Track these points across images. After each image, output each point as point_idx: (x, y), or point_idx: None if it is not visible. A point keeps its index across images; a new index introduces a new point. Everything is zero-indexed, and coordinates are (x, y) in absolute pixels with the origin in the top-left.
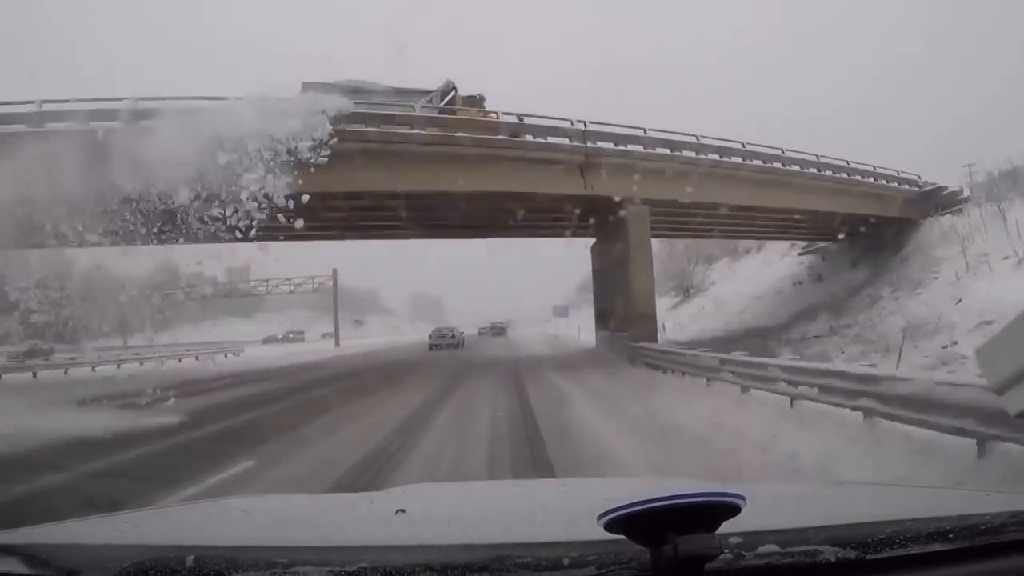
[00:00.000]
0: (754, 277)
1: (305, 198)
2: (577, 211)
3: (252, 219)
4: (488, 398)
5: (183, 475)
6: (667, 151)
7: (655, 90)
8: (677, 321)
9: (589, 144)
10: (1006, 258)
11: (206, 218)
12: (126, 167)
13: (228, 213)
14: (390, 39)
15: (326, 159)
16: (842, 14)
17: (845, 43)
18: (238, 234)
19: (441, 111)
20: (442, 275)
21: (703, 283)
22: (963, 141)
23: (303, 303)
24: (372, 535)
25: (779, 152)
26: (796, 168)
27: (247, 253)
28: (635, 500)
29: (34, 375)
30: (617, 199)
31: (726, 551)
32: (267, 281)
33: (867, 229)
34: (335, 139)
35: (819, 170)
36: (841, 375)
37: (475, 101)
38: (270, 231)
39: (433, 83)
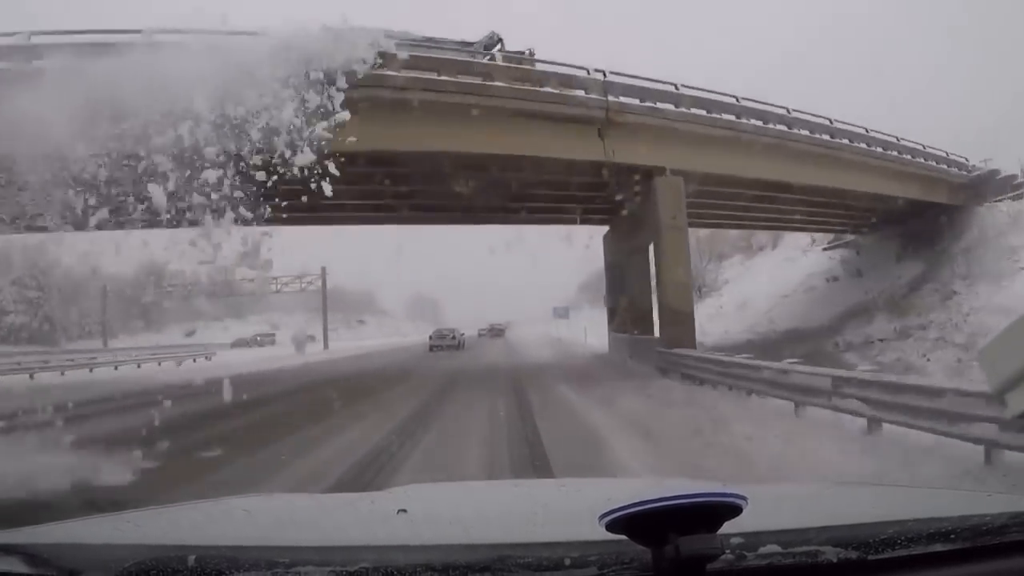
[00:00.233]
0: (777, 274)
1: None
2: (590, 188)
3: (276, 182)
4: (474, 453)
5: None
6: (703, 112)
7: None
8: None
9: (611, 98)
10: None
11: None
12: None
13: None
14: None
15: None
16: None
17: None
18: (244, 211)
19: (517, 62)
20: (441, 277)
21: (715, 282)
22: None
23: (304, 304)
24: (373, 535)
25: (826, 122)
26: (846, 142)
27: (247, 251)
28: (636, 500)
29: None
30: (646, 167)
31: (728, 551)
32: (276, 279)
33: (908, 217)
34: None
35: (868, 145)
36: None
37: (523, 57)
38: (286, 207)
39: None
